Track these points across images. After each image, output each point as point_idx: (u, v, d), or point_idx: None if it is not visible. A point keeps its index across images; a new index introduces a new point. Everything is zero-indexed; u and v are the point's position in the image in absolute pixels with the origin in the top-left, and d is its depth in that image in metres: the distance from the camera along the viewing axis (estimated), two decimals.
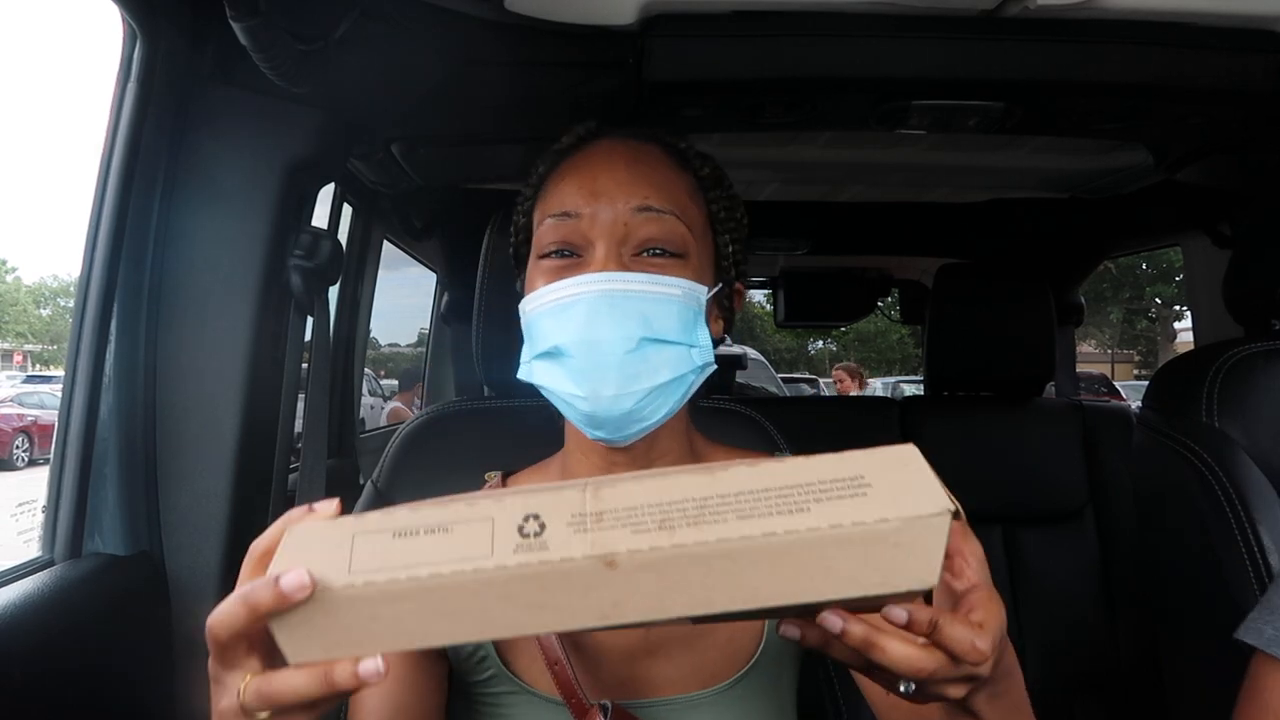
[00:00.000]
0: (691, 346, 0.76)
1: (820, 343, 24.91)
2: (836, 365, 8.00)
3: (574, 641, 0.80)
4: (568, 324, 0.73)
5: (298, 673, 0.48)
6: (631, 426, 0.75)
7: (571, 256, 0.77)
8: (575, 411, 0.75)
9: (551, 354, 0.74)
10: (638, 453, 0.79)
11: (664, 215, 0.76)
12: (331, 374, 1.92)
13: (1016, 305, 2.00)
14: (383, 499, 1.02)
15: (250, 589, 0.47)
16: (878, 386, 12.84)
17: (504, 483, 0.88)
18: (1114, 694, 1.82)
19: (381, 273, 2.25)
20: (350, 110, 1.07)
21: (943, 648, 0.51)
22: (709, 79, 1.15)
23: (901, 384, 12.23)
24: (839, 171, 2.14)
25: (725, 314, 0.86)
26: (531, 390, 0.80)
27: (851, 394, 6.17)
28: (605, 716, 0.77)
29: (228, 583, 0.99)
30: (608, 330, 0.72)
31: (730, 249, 0.84)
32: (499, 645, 0.81)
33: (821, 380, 12.44)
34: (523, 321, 0.79)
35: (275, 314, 1.05)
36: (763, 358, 7.79)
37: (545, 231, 0.77)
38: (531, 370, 0.77)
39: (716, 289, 0.81)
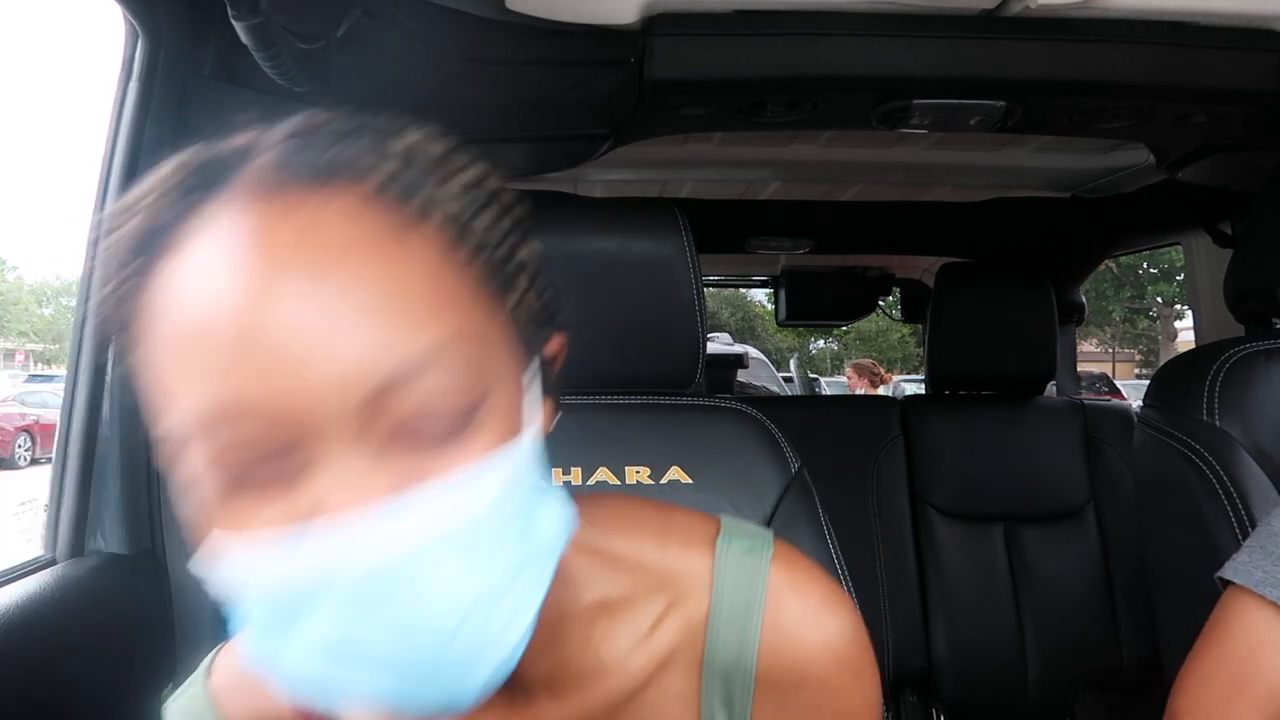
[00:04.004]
0: (535, 542, 0.45)
1: (822, 341, 24.89)
2: (850, 362, 7.78)
3: None
4: (311, 629, 0.40)
5: None
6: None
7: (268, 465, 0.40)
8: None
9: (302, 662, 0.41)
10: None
11: (421, 374, 0.40)
12: None
13: (1018, 304, 2.00)
14: None
15: None
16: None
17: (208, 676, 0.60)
18: (1115, 692, 1.83)
19: None
20: (352, 109, 1.07)
21: None
22: (710, 78, 1.15)
23: (903, 383, 12.22)
24: (840, 171, 2.14)
25: (546, 379, 0.51)
26: None
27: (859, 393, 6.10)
28: None
29: None
30: (413, 615, 0.40)
31: (527, 302, 0.48)
32: None
33: (824, 379, 12.44)
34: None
35: None
36: (764, 356, 7.78)
37: (200, 442, 0.40)
38: (269, 657, 0.42)
39: (531, 379, 0.48)
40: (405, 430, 0.40)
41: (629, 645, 0.55)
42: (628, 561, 0.56)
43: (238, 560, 0.41)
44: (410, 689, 0.41)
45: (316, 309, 0.38)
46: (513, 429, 0.44)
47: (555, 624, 0.52)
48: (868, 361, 7.27)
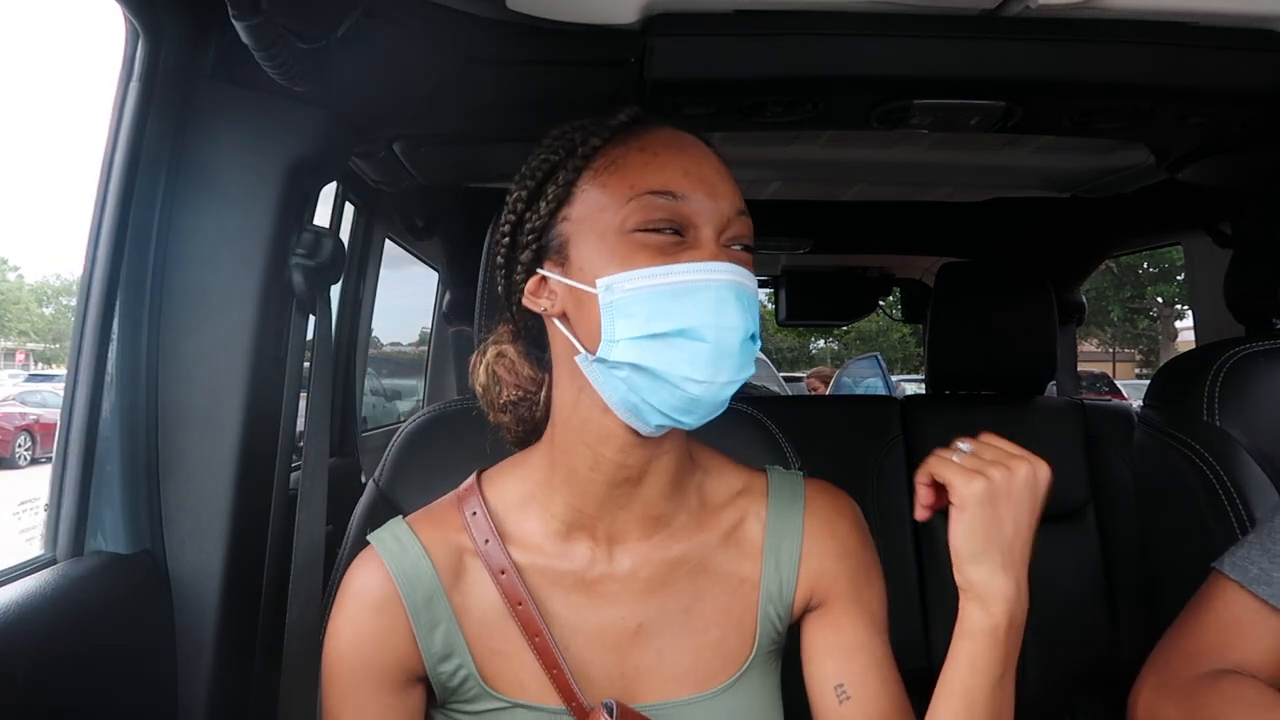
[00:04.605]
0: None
1: (822, 341, 24.90)
2: (809, 372, 7.52)
3: (565, 646, 0.80)
4: (699, 308, 0.72)
5: None
6: (713, 414, 0.76)
7: (674, 235, 0.74)
8: (678, 395, 0.73)
9: (671, 335, 0.72)
10: (656, 445, 0.79)
11: (746, 216, 0.78)
12: (334, 373, 1.92)
13: (1018, 304, 2.00)
14: (385, 498, 1.02)
15: None
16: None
17: (479, 481, 0.86)
18: (1115, 692, 1.83)
19: (383, 271, 2.25)
20: (352, 109, 1.07)
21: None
22: (711, 78, 1.15)
23: (903, 383, 12.22)
24: (840, 170, 2.15)
25: None
26: None
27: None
28: (611, 715, 0.76)
29: (229, 581, 1.00)
30: (735, 318, 0.73)
31: None
32: (480, 667, 0.80)
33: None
34: (605, 298, 0.73)
35: (277, 313, 1.05)
36: (764, 356, 7.79)
37: (640, 207, 0.74)
38: (627, 350, 0.73)
39: None
40: (731, 244, 0.77)
41: (722, 500, 0.87)
42: (717, 464, 0.89)
43: (659, 274, 0.73)
44: (712, 374, 0.73)
45: (717, 169, 0.79)
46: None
47: (680, 478, 0.83)
48: (828, 370, 7.18)
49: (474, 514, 0.82)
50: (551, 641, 0.78)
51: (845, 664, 0.83)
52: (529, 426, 0.86)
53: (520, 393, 0.86)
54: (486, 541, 0.81)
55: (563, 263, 0.77)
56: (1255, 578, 0.93)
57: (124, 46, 0.95)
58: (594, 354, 0.74)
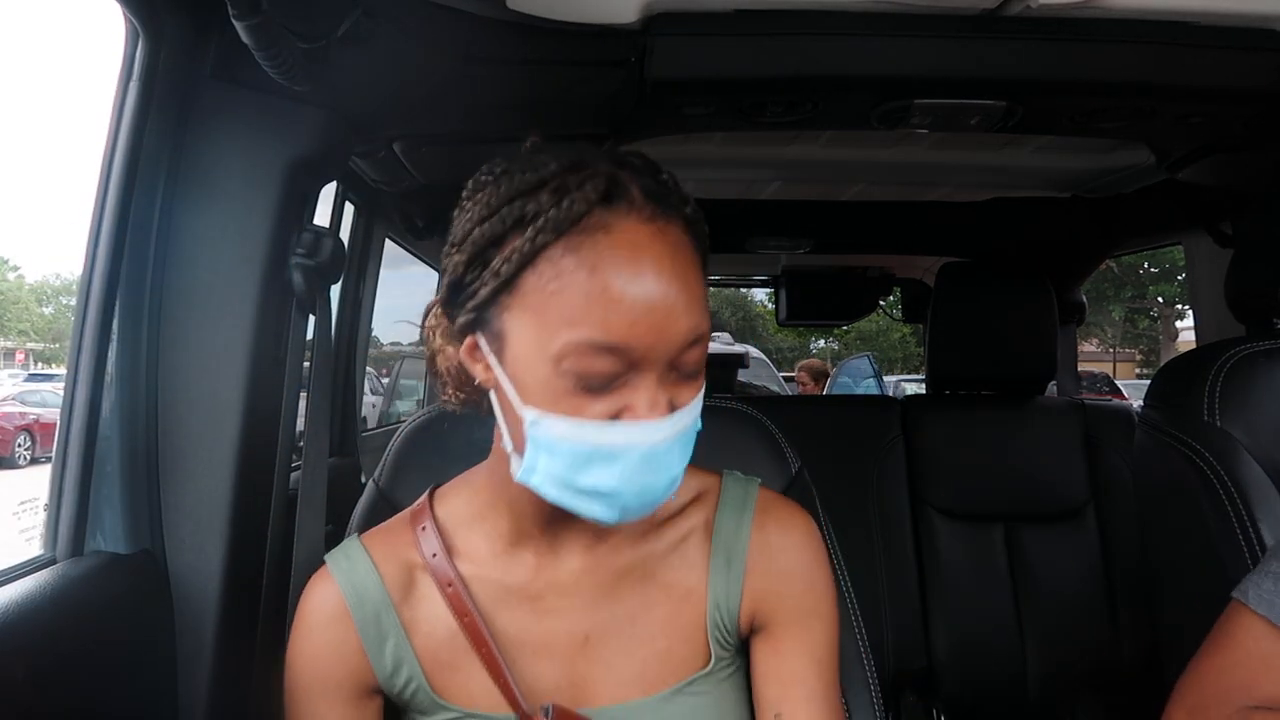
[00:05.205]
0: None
1: (822, 341, 24.90)
2: (798, 366, 7.34)
3: (513, 658, 0.80)
4: (625, 471, 0.68)
5: None
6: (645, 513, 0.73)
7: (613, 377, 0.67)
8: (589, 515, 0.71)
9: (590, 492, 0.69)
10: None
11: (701, 343, 0.70)
12: (334, 373, 1.92)
13: (1018, 304, 2.00)
14: (385, 498, 1.02)
15: None
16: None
17: (430, 499, 0.86)
18: (1115, 692, 1.83)
19: (383, 271, 2.25)
20: (352, 108, 1.07)
21: None
22: (711, 78, 1.15)
23: (903, 383, 12.22)
24: (841, 170, 2.15)
25: None
26: None
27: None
28: (547, 717, 0.77)
29: (229, 581, 1.00)
30: (658, 476, 0.69)
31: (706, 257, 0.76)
32: (430, 678, 0.81)
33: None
34: (530, 431, 0.69)
35: (277, 312, 1.05)
36: (764, 356, 7.79)
37: (578, 352, 0.65)
38: (547, 484, 0.70)
39: None
40: (679, 370, 0.69)
41: (672, 509, 0.85)
42: None
43: (563, 430, 0.67)
44: (625, 514, 0.70)
45: (677, 295, 0.67)
46: (703, 378, 0.73)
47: None
48: (818, 363, 7.12)
49: (424, 529, 0.83)
50: (497, 653, 0.79)
51: (784, 693, 0.83)
52: (485, 410, 0.81)
53: (463, 397, 0.83)
54: (434, 555, 0.82)
55: (499, 351, 0.70)
56: (1272, 606, 0.92)
57: (124, 46, 0.95)
58: (519, 457, 0.71)
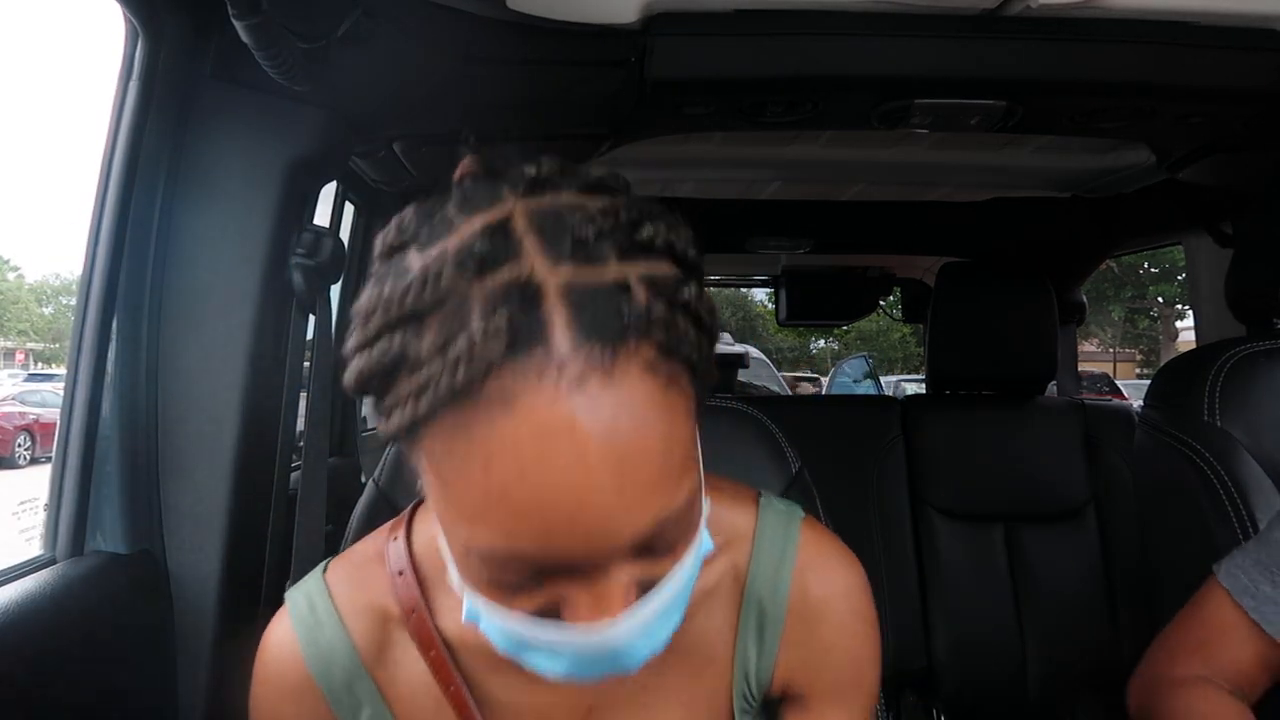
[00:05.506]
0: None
1: (822, 341, 24.90)
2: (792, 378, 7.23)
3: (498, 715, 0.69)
4: (563, 662, 0.54)
5: None
6: None
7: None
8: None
9: (538, 666, 0.56)
10: None
11: (679, 515, 0.51)
12: (334, 372, 1.92)
13: (1018, 304, 2.00)
14: (385, 498, 1.02)
15: None
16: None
17: (409, 528, 0.71)
18: (1116, 693, 1.82)
19: None
20: (352, 108, 1.07)
21: None
22: (711, 78, 1.15)
23: (903, 383, 12.22)
24: (841, 170, 2.14)
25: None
26: None
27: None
28: None
29: (229, 581, 1.00)
30: (625, 661, 0.54)
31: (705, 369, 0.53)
32: None
33: (823, 379, 12.44)
34: (458, 587, 0.56)
35: (277, 312, 1.05)
36: (764, 356, 7.79)
37: (481, 560, 0.51)
38: (490, 637, 0.57)
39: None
40: (651, 550, 0.51)
41: None
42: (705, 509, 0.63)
43: (493, 613, 0.53)
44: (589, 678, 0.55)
45: (616, 491, 0.47)
46: (698, 523, 0.55)
47: None
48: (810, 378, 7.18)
49: (400, 574, 0.69)
50: (475, 711, 0.68)
51: None
52: None
53: None
54: (413, 612, 0.68)
55: (427, 485, 0.53)
56: (1243, 588, 0.95)
57: (124, 46, 0.95)
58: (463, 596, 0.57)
